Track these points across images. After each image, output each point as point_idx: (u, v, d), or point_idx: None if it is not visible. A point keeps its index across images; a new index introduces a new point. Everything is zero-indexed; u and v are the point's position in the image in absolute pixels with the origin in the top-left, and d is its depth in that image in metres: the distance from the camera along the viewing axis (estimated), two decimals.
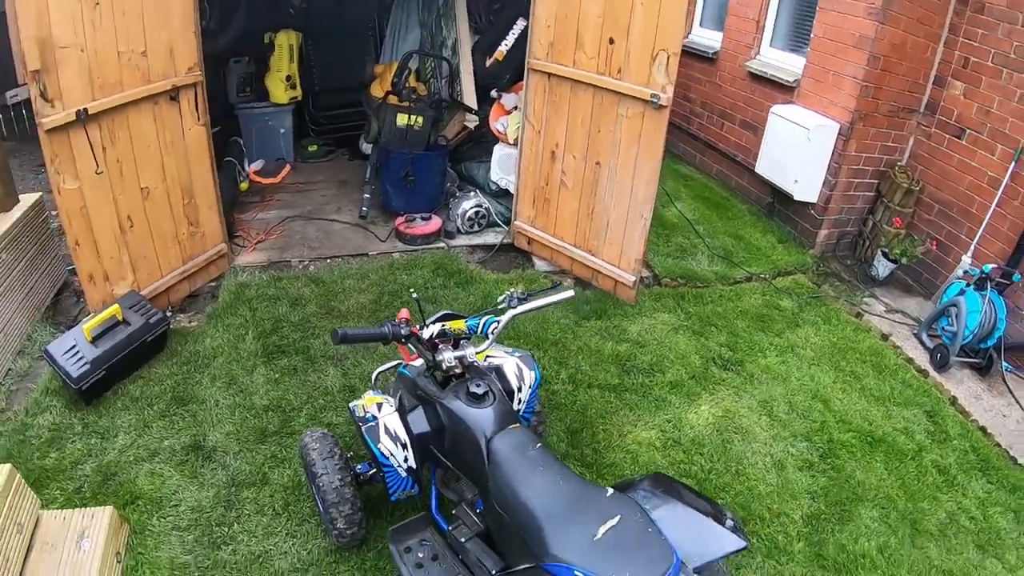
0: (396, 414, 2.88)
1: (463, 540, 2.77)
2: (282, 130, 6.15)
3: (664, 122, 4.43)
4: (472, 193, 5.74)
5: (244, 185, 5.48)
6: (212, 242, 4.85)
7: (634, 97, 4.47)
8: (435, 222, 5.53)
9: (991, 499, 4.16)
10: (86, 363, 3.77)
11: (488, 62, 5.55)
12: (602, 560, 2.18)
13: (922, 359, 5.20)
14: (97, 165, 3.87)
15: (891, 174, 5.98)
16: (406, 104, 5.47)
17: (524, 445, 2.62)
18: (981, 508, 4.09)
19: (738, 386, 4.63)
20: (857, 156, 5.94)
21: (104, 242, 4.07)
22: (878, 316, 5.63)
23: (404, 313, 2.93)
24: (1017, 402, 4.88)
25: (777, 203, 6.72)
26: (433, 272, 5.22)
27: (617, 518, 2.30)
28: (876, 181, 6.15)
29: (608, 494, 2.45)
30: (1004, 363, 5.08)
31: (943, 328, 5.15)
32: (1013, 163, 5.11)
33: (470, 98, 5.58)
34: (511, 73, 5.74)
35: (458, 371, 2.84)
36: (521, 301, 2.95)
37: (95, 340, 3.86)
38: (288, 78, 5.83)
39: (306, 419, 3.90)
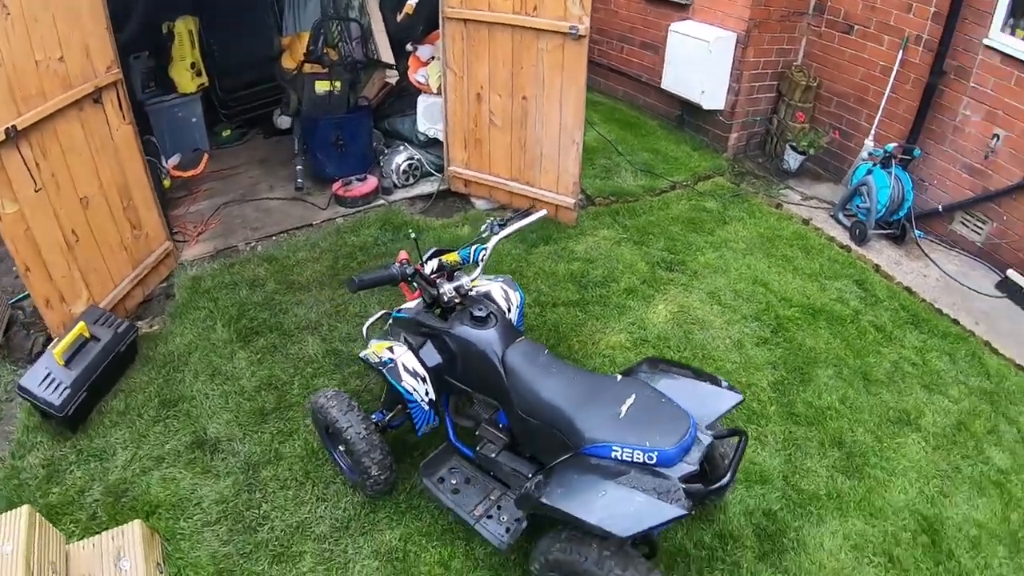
0: (410, 352, 2.99)
1: (493, 455, 2.99)
2: (194, 119, 5.92)
3: (584, 51, 4.55)
4: (401, 147, 5.74)
5: (167, 182, 5.28)
6: (157, 241, 4.68)
7: (553, 31, 4.56)
8: (371, 181, 5.53)
9: (927, 346, 4.64)
10: (65, 388, 3.56)
11: (399, 17, 5.48)
12: (632, 432, 2.50)
13: (842, 236, 5.63)
14: (35, 183, 3.64)
15: (789, 74, 6.32)
16: (323, 71, 5.41)
17: (534, 353, 2.86)
18: (920, 355, 4.55)
19: (685, 283, 4.94)
20: (756, 62, 6.24)
21: (54, 262, 3.85)
22: (796, 204, 6.04)
23: (403, 255, 3.04)
24: (933, 262, 5.38)
25: (686, 114, 6.97)
26: (380, 229, 5.26)
27: (633, 396, 2.63)
28: (776, 82, 6.49)
29: (618, 379, 2.78)
30: (916, 230, 5.59)
31: (857, 206, 5.59)
32: (901, 51, 5.52)
33: (387, 55, 5.53)
34: (423, 24, 5.70)
35: (457, 301, 2.99)
36: (502, 227, 3.13)
37: (68, 363, 3.64)
38: (192, 65, 5.59)
39: (299, 390, 3.92)
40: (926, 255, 5.46)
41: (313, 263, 4.92)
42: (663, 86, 6.79)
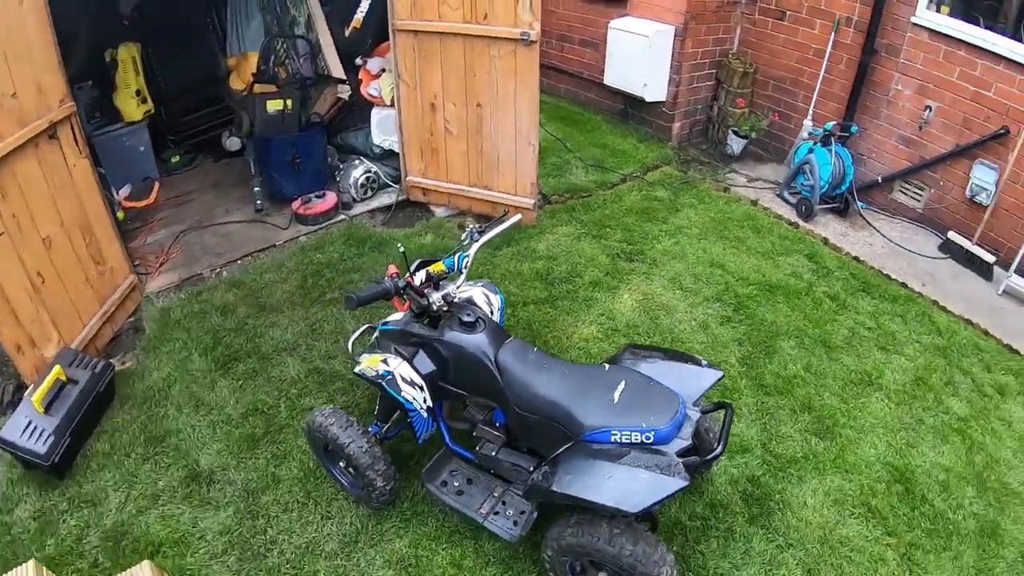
0: (404, 362, 3.05)
1: (493, 453, 3.10)
2: (142, 148, 5.81)
3: (536, 56, 4.65)
4: (357, 161, 5.74)
5: (121, 214, 5.17)
6: (121, 275, 4.58)
7: (504, 38, 4.64)
8: (330, 197, 5.53)
9: (879, 311, 4.90)
10: (49, 435, 3.42)
11: (347, 31, 5.50)
12: (627, 416, 2.67)
13: (789, 214, 5.89)
14: None
15: (726, 62, 6.57)
16: (273, 90, 5.41)
17: (524, 352, 2.98)
18: (874, 319, 4.81)
19: (646, 272, 5.10)
20: (694, 52, 6.46)
21: (21, 307, 3.72)
22: (742, 187, 6.27)
23: (393, 268, 3.09)
24: (878, 231, 5.68)
25: (629, 108, 7.15)
26: (345, 244, 5.26)
27: (623, 382, 2.79)
28: (714, 71, 6.73)
29: (606, 368, 2.94)
30: (859, 202, 5.88)
31: (801, 184, 5.85)
32: (833, 34, 5.83)
33: (337, 70, 5.54)
34: (371, 37, 5.72)
35: (445, 309, 3.07)
36: (481, 234, 3.22)
37: (48, 409, 3.51)
38: (138, 92, 5.50)
39: (287, 412, 3.90)
40: (870, 225, 5.75)
41: (282, 284, 4.89)
42: (606, 82, 6.95)
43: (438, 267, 3.14)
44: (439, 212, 5.71)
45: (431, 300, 3.04)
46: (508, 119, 4.99)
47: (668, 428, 2.61)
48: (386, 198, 5.81)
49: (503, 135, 5.08)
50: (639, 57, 6.36)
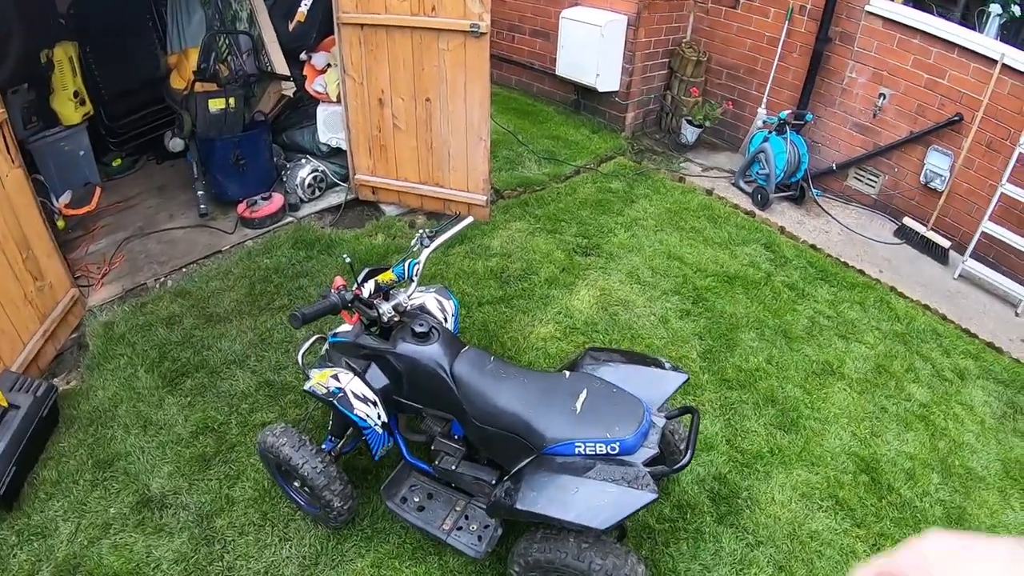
0: (356, 377, 2.87)
1: (453, 467, 2.93)
2: (81, 152, 5.47)
3: (486, 48, 4.47)
4: (303, 160, 5.50)
5: (61, 223, 4.87)
6: (62, 290, 4.28)
7: (453, 31, 4.46)
8: (277, 199, 5.27)
9: (838, 298, 4.86)
10: None
11: (291, 26, 5.24)
12: (591, 426, 2.54)
13: (745, 203, 5.83)
14: None
15: (679, 51, 6.47)
16: (215, 88, 5.14)
17: (481, 361, 2.82)
18: (833, 307, 4.77)
19: (603, 266, 4.98)
20: (647, 41, 6.35)
21: None
22: (697, 176, 6.20)
23: (339, 280, 2.89)
24: (833, 218, 5.66)
25: (582, 98, 7.02)
26: (293, 247, 5.01)
27: (584, 391, 2.66)
28: (667, 59, 6.63)
29: (566, 376, 2.80)
30: (814, 189, 5.86)
31: (757, 173, 5.79)
32: (786, 22, 5.78)
33: (281, 66, 5.27)
34: (316, 31, 5.49)
35: (396, 319, 2.89)
36: (431, 239, 3.00)
37: None
38: (76, 94, 5.16)
39: (238, 428, 3.68)
40: (826, 212, 5.73)
41: (229, 292, 4.63)
42: (558, 72, 6.81)
43: (387, 276, 2.95)
44: (389, 211, 5.50)
45: (381, 311, 2.85)
46: (459, 114, 4.81)
47: (634, 438, 2.49)
48: (335, 198, 5.58)
49: (454, 130, 4.90)
50: (592, 47, 6.23)
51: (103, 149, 5.85)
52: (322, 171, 5.52)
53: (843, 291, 4.94)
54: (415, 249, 3.02)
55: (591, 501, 2.37)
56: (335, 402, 2.81)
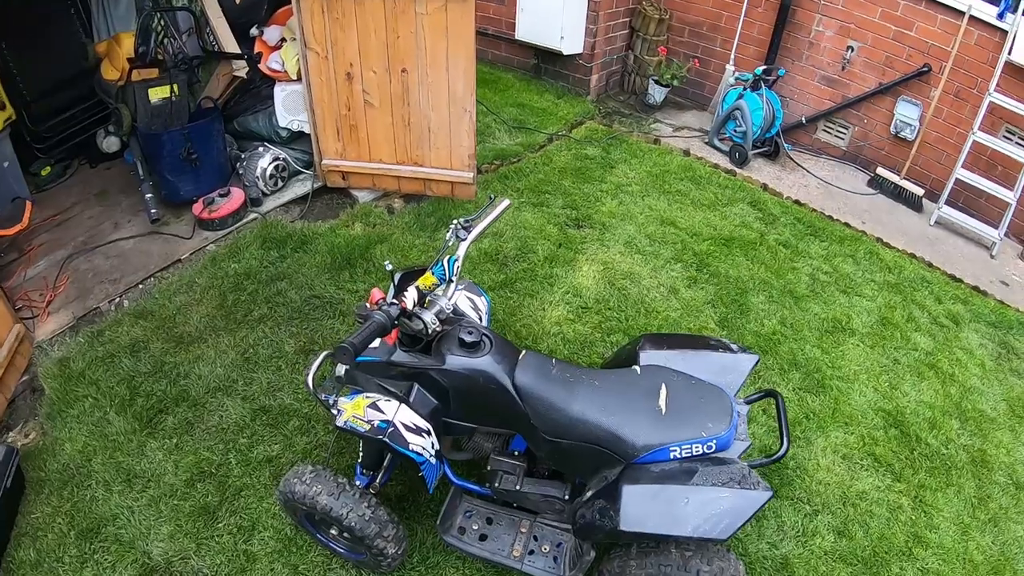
0: (402, 404, 2.43)
1: (517, 488, 2.59)
2: (5, 163, 4.57)
3: (472, 10, 4.03)
4: (261, 148, 4.87)
5: None
6: (4, 328, 3.55)
7: None
8: (237, 195, 4.62)
9: (830, 253, 4.77)
10: None
11: None
12: (681, 427, 2.27)
13: (723, 161, 5.64)
14: None
15: (641, 9, 6.15)
16: (155, 75, 4.49)
17: (545, 367, 2.45)
18: (828, 262, 4.68)
19: (598, 238, 4.70)
20: (610, 1, 6.01)
21: None
22: (670, 137, 5.96)
23: (377, 293, 2.44)
24: (809, 172, 5.56)
25: (543, 63, 6.64)
26: (262, 247, 4.42)
27: (663, 387, 2.37)
28: (629, 19, 6.30)
29: (638, 372, 2.48)
30: (786, 144, 5.74)
31: (733, 131, 5.61)
32: None
33: (230, 44, 4.63)
34: (266, 2, 4.87)
35: (438, 329, 2.43)
36: (467, 229, 2.56)
37: None
38: None
39: (240, 469, 3.12)
40: (800, 166, 5.63)
41: (197, 306, 3.99)
42: (517, 36, 6.39)
43: (428, 280, 2.46)
44: (363, 197, 4.98)
45: (426, 322, 2.36)
46: (440, 84, 4.36)
47: (728, 432, 2.24)
48: (300, 187, 4.98)
49: (435, 103, 4.45)
50: (554, 9, 5.84)
51: (29, 157, 4.98)
52: (284, 159, 4.92)
53: (834, 245, 4.86)
54: (451, 243, 2.56)
55: (707, 510, 2.10)
56: (387, 439, 2.35)
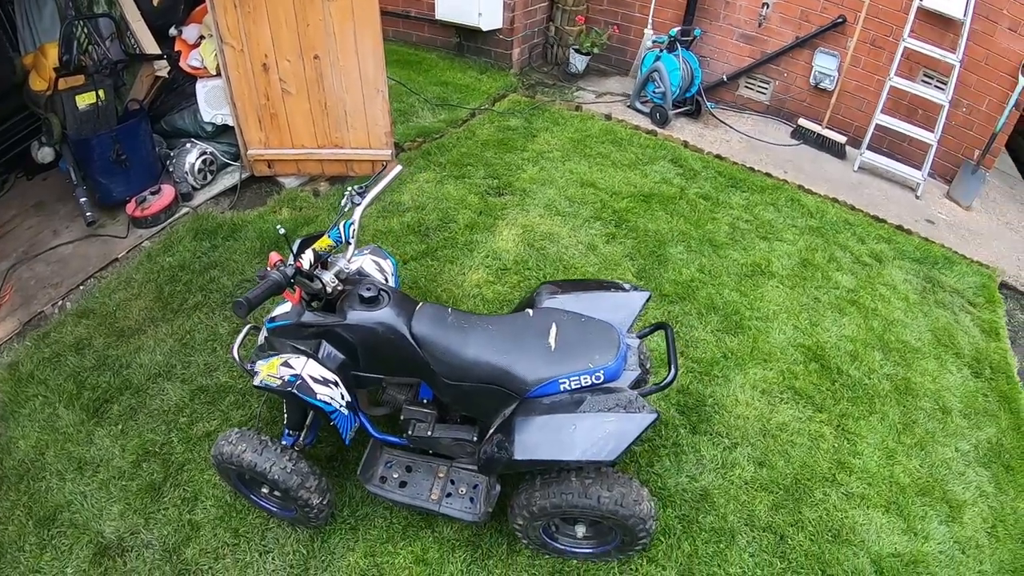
0: (311, 360, 2.56)
1: (429, 434, 2.71)
2: None
3: None
4: (188, 144, 4.92)
5: None
6: None
7: None
8: (167, 191, 4.68)
9: (751, 202, 4.89)
10: None
11: (155, 0, 4.69)
12: (570, 360, 2.39)
13: (645, 123, 5.76)
14: None
15: None
16: (81, 82, 4.49)
17: (441, 316, 2.58)
18: (749, 211, 4.79)
19: (519, 204, 4.79)
20: None
21: None
22: (592, 103, 6.06)
23: (275, 256, 2.52)
24: (731, 127, 5.68)
25: (464, 41, 6.71)
26: (195, 239, 4.50)
27: (554, 325, 2.50)
28: None
29: (530, 315, 2.61)
30: (708, 103, 5.84)
31: (652, 92, 5.71)
32: None
33: (151, 46, 4.66)
34: (183, 2, 4.88)
35: (340, 288, 2.58)
36: (362, 195, 2.68)
37: None
38: None
39: (182, 446, 3.23)
40: (723, 123, 5.74)
41: (135, 301, 4.08)
42: (437, 16, 6.47)
43: (325, 243, 2.61)
44: (289, 183, 5.05)
45: (324, 282, 2.52)
46: (352, 67, 4.43)
47: (616, 363, 2.37)
48: (229, 179, 5.04)
49: (348, 86, 4.52)
50: None
51: None
52: (210, 153, 4.96)
53: (755, 195, 4.98)
54: (347, 209, 2.68)
55: (593, 435, 2.23)
56: (295, 391, 2.47)
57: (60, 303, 4.16)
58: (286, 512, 2.84)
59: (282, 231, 2.53)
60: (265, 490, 2.80)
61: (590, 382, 2.34)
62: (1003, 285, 4.66)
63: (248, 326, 2.86)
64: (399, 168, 2.90)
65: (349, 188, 2.67)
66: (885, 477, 3.23)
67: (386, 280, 2.90)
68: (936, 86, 5.28)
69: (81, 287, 4.27)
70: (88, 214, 4.65)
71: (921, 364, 3.85)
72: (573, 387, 2.35)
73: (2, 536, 2.94)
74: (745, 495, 3.07)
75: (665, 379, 2.46)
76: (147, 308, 4.00)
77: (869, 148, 5.39)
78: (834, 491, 3.13)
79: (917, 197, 5.28)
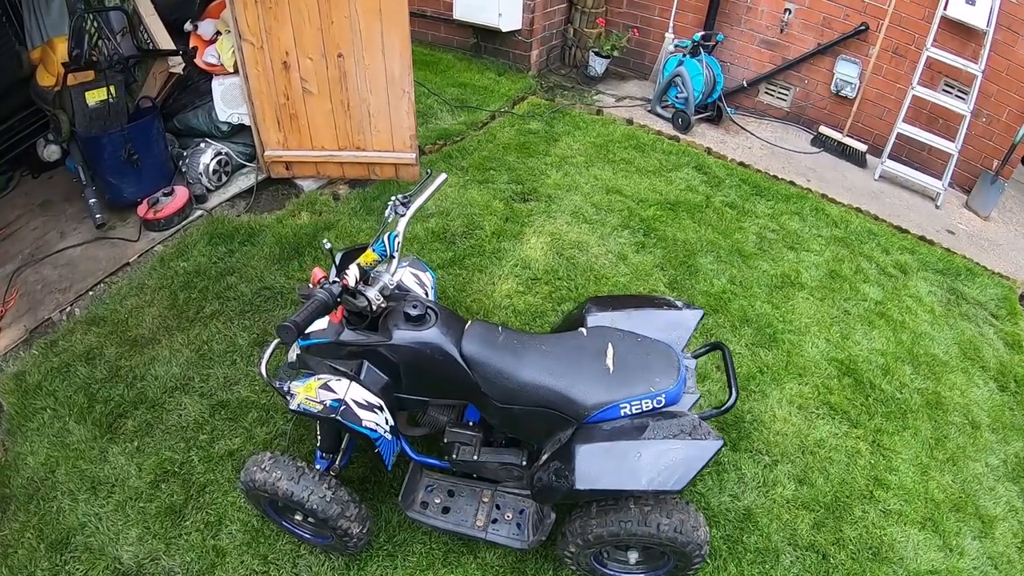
0: (353, 382, 2.39)
1: (475, 457, 2.57)
2: None
3: None
4: (202, 144, 4.74)
5: None
6: None
7: None
8: (181, 193, 4.49)
9: (776, 211, 4.80)
10: None
11: None
12: (630, 383, 2.27)
13: (666, 128, 5.64)
14: None
15: None
16: (91, 78, 4.33)
17: (491, 335, 2.43)
18: (775, 221, 4.70)
19: (545, 210, 4.66)
20: None
21: None
22: (613, 107, 5.94)
23: (319, 272, 2.36)
24: (752, 134, 5.59)
25: (482, 41, 6.57)
26: (210, 244, 4.30)
27: (610, 346, 2.37)
28: None
29: (584, 334, 2.47)
30: (729, 108, 5.76)
31: (675, 97, 5.61)
32: None
33: (165, 41, 4.51)
34: None
35: (384, 305, 2.42)
36: (406, 204, 2.53)
37: None
38: None
39: (203, 466, 3.04)
40: (744, 129, 5.66)
41: (148, 308, 3.87)
42: (455, 16, 6.32)
43: (369, 257, 2.45)
44: (307, 185, 4.87)
45: (370, 299, 2.34)
46: (377, 67, 4.29)
47: (676, 386, 2.25)
48: (244, 181, 4.85)
49: (373, 86, 4.38)
50: None
51: None
52: (226, 153, 4.79)
53: (779, 204, 4.89)
54: (390, 219, 2.53)
55: (659, 463, 2.11)
56: (339, 418, 2.30)
57: (68, 309, 3.96)
58: (320, 539, 2.69)
59: (327, 246, 2.32)
60: (298, 517, 2.65)
61: (651, 406, 2.22)
62: (1023, 297, 4.61)
63: (277, 340, 2.64)
64: (444, 176, 2.75)
65: (393, 198, 2.52)
66: (920, 493, 3.16)
67: (426, 294, 2.75)
68: (957, 95, 5.22)
69: (90, 292, 4.07)
70: (97, 216, 4.47)
71: (950, 378, 3.79)
72: (634, 412, 2.23)
73: (12, 560, 2.74)
74: (787, 514, 2.98)
75: (726, 403, 2.36)
76: (161, 316, 3.80)
77: (890, 157, 5.33)
78: (872, 508, 3.06)
79: (937, 207, 5.23)
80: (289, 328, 2.03)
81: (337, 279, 2.28)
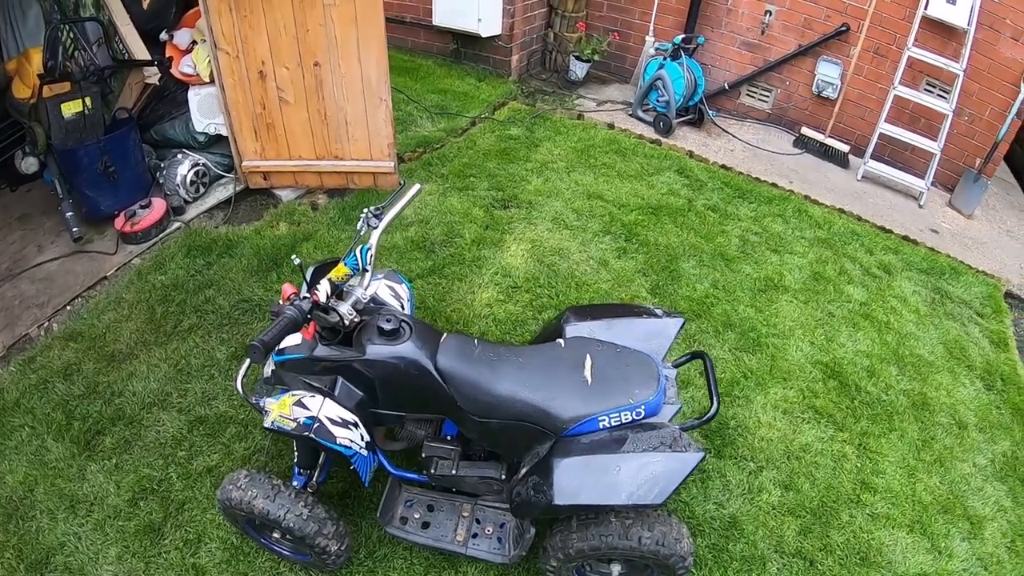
0: (327, 399, 2.35)
1: (453, 472, 2.52)
2: None
3: None
4: (179, 155, 4.69)
5: None
6: None
7: None
8: (158, 205, 4.43)
9: (759, 214, 4.78)
10: None
11: (144, 3, 4.40)
12: (608, 395, 2.22)
13: (648, 132, 5.62)
14: None
15: None
16: (67, 89, 4.26)
17: (467, 348, 2.38)
18: (757, 223, 4.68)
19: (525, 217, 4.62)
20: None
21: None
22: (594, 111, 5.92)
23: (288, 288, 2.32)
24: (734, 136, 5.58)
25: (462, 47, 6.54)
26: (188, 256, 4.24)
27: (588, 357, 2.32)
28: None
29: (562, 345, 2.43)
30: (710, 111, 5.74)
31: (656, 101, 5.60)
32: None
33: (140, 51, 4.44)
34: (174, 6, 4.65)
35: (357, 320, 2.36)
36: (379, 217, 2.50)
37: None
38: None
39: (182, 483, 2.99)
40: (726, 132, 5.64)
41: (126, 322, 3.82)
42: (435, 22, 6.29)
43: (341, 271, 2.38)
44: (286, 195, 4.82)
45: (341, 314, 2.28)
46: (353, 75, 4.25)
47: (657, 397, 2.20)
48: (222, 192, 4.80)
49: (350, 94, 4.34)
50: None
51: None
52: (203, 164, 4.73)
53: (762, 206, 4.88)
54: (363, 232, 2.49)
55: (639, 476, 2.06)
56: (312, 435, 2.26)
57: (46, 324, 3.89)
58: (300, 556, 2.65)
59: (297, 261, 2.30)
60: (276, 535, 2.60)
61: (631, 418, 2.18)
62: (1008, 295, 4.61)
63: (248, 360, 2.62)
64: (418, 187, 2.69)
65: (365, 210, 2.48)
66: (908, 496, 3.14)
67: (401, 307, 2.70)
68: (939, 95, 5.22)
69: (68, 307, 4.00)
70: (74, 229, 4.39)
71: (935, 378, 3.77)
72: (613, 424, 2.18)
73: None
74: (773, 520, 2.95)
75: (707, 413, 2.31)
76: (139, 331, 3.74)
77: (872, 157, 5.33)
78: (859, 512, 3.03)
79: (920, 206, 5.22)
80: (257, 348, 1.98)
81: (308, 295, 2.23)
